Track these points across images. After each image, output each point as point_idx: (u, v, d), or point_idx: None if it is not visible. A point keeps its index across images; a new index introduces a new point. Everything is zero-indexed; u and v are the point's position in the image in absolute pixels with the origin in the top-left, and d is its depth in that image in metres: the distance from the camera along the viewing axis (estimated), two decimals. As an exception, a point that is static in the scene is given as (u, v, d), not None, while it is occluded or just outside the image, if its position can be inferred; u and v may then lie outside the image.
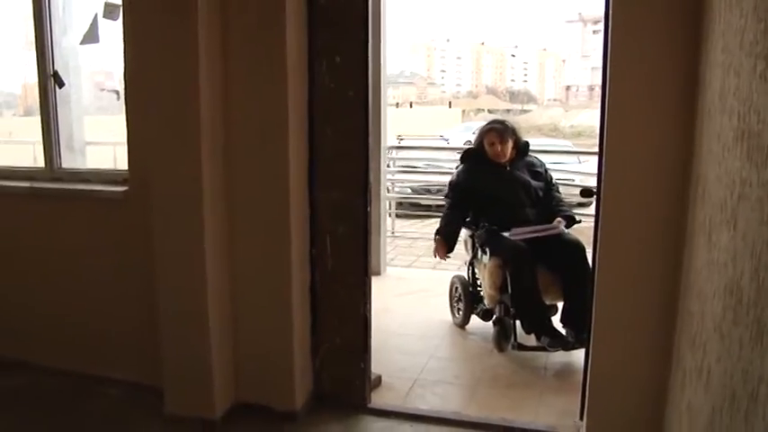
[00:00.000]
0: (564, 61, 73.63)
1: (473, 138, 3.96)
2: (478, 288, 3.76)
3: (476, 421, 2.69)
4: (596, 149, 2.35)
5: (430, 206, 7.56)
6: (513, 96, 70.39)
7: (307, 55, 2.63)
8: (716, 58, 1.65)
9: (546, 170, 3.76)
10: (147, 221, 2.66)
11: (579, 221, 3.66)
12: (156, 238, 2.63)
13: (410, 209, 7.99)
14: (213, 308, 2.61)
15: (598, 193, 2.29)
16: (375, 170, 3.99)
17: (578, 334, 3.16)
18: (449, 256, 3.72)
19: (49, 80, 3.07)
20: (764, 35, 1.14)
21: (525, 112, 57.55)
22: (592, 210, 2.63)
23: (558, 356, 3.33)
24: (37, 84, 3.10)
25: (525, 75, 76.15)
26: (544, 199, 3.65)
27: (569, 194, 4.97)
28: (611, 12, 2.12)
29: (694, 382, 1.66)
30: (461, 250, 3.88)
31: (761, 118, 1.14)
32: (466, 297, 3.78)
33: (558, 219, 3.54)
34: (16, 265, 3.19)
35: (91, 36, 3.01)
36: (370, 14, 2.59)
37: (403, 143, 8.81)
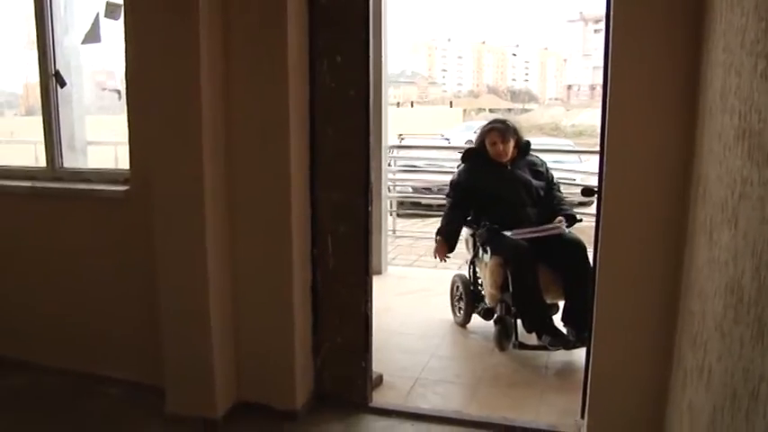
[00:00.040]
0: (565, 60, 73.64)
1: (474, 137, 3.96)
2: (479, 287, 3.76)
3: (477, 420, 2.69)
4: (597, 149, 2.35)
5: (431, 205, 7.56)
6: (515, 96, 70.39)
7: (308, 54, 2.63)
8: (717, 58, 1.65)
9: (547, 169, 3.76)
10: (148, 221, 2.66)
11: (580, 220, 3.66)
12: (157, 238, 2.63)
13: (411, 208, 7.99)
14: (215, 307, 2.61)
15: (599, 193, 2.29)
16: (376, 169, 4.00)
17: (579, 333, 3.16)
18: (449, 257, 3.73)
19: (51, 80, 3.07)
20: (765, 34, 1.14)
21: (526, 111, 57.56)
22: (593, 209, 2.63)
23: (560, 355, 3.33)
24: (38, 83, 3.10)
25: (526, 74, 76.14)
26: (545, 198, 3.65)
27: (570, 194, 4.96)
28: (612, 11, 2.12)
29: (695, 381, 1.66)
30: (462, 249, 3.88)
31: (762, 117, 1.14)
32: (467, 296, 3.78)
33: (560, 218, 3.54)
34: (17, 265, 3.20)
35: (92, 35, 3.01)
36: (371, 14, 2.59)
37: (404, 143, 8.81)
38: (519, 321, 3.34)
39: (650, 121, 2.13)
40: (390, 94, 7.09)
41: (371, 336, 2.80)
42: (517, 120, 4.45)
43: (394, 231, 6.68)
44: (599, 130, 2.27)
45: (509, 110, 56.36)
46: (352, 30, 2.58)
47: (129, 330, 2.99)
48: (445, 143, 12.74)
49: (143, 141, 2.75)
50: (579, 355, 3.03)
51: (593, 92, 59.71)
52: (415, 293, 4.56)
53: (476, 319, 3.77)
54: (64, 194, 3.06)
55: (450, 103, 54.96)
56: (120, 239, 2.95)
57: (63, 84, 3.08)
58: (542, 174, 3.70)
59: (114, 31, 2.86)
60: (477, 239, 3.63)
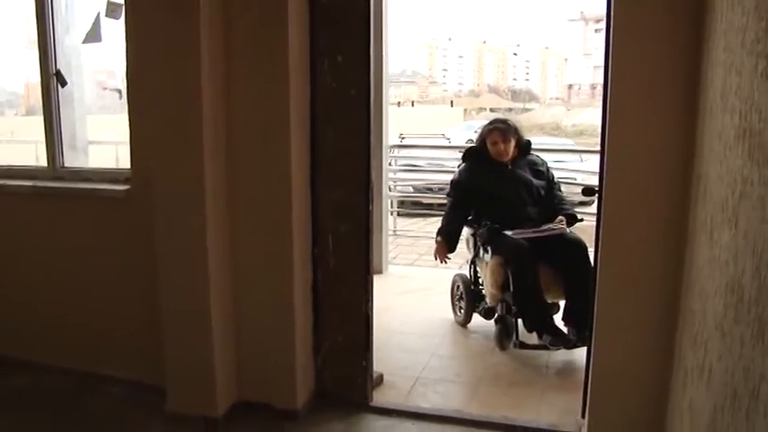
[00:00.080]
0: (566, 60, 73.61)
1: (475, 136, 3.97)
2: (480, 286, 3.76)
3: (477, 419, 2.70)
4: (598, 148, 2.35)
5: (432, 205, 7.56)
6: (515, 95, 70.38)
7: (309, 54, 2.63)
8: (717, 57, 1.65)
9: (548, 169, 3.76)
10: (149, 220, 2.67)
11: (581, 220, 3.66)
12: (158, 238, 2.64)
13: (412, 207, 7.99)
14: (216, 307, 2.61)
15: (600, 192, 2.29)
16: (377, 169, 4.00)
17: (580, 332, 3.16)
18: (449, 258, 3.73)
19: (52, 79, 3.07)
20: (766, 34, 1.14)
21: (527, 110, 57.56)
22: (593, 208, 2.63)
23: (560, 355, 3.34)
24: (39, 83, 3.11)
25: (527, 73, 76.11)
26: (546, 198, 3.65)
27: (571, 193, 4.96)
28: (612, 11, 2.12)
29: (696, 380, 1.66)
30: (463, 249, 3.89)
31: (762, 117, 1.14)
32: (467, 295, 3.78)
33: (560, 217, 3.54)
34: (19, 265, 3.20)
35: (93, 35, 3.01)
36: (372, 13, 2.59)
37: (405, 142, 8.79)
38: (520, 321, 3.34)
39: (651, 121, 2.14)
40: (391, 93, 7.09)
41: (372, 335, 2.80)
42: (518, 119, 4.45)
43: (395, 231, 6.68)
44: (600, 130, 2.27)
45: (510, 109, 56.37)
46: (352, 29, 2.59)
47: (130, 330, 3.00)
48: (446, 143, 12.73)
49: (144, 141, 2.75)
50: (580, 354, 3.03)
51: (594, 91, 59.72)
52: (416, 293, 4.56)
53: (476, 319, 3.77)
54: (65, 194, 3.06)
55: (451, 102, 54.96)
56: (121, 239, 2.95)
57: (64, 83, 3.08)
58: (543, 173, 3.70)
59: (115, 30, 2.87)
60: (477, 239, 3.63)
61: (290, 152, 2.55)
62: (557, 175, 3.90)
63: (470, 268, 3.86)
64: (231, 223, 2.65)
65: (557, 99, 69.96)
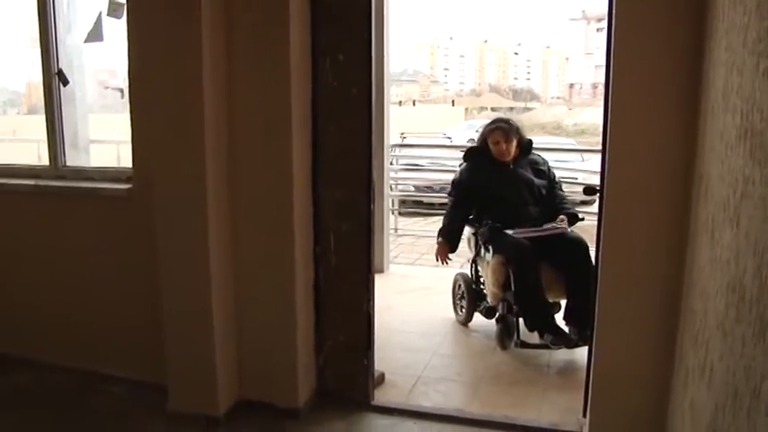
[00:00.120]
0: (567, 59, 73.57)
1: (476, 136, 3.97)
2: (481, 286, 3.76)
3: (478, 418, 2.70)
4: (599, 147, 2.35)
5: (433, 204, 7.57)
6: (517, 94, 70.36)
7: (310, 53, 2.63)
8: (719, 57, 1.65)
9: (549, 168, 3.76)
10: (151, 220, 2.67)
11: (582, 219, 3.66)
12: (159, 237, 2.64)
13: (413, 207, 8.00)
14: (217, 306, 2.62)
15: (601, 191, 2.29)
16: (378, 168, 4.01)
17: (581, 331, 3.17)
18: (450, 259, 3.73)
19: (54, 78, 3.08)
20: (767, 33, 1.14)
21: (528, 109, 57.56)
22: (595, 208, 2.63)
23: (561, 354, 3.34)
24: (41, 82, 3.11)
25: (528, 73, 76.09)
26: (547, 197, 3.65)
27: (572, 192, 4.97)
28: (614, 10, 2.12)
29: (697, 379, 1.66)
30: (464, 248, 3.89)
31: (764, 116, 1.14)
32: (469, 295, 3.79)
33: (561, 216, 3.54)
34: (21, 264, 3.20)
35: (95, 34, 3.02)
36: (374, 12, 2.59)
37: (406, 141, 8.81)
38: (521, 320, 3.34)
39: (652, 120, 2.13)
40: (392, 92, 7.10)
41: (373, 334, 2.81)
42: (519, 118, 4.45)
43: (396, 230, 6.69)
44: (601, 129, 2.27)
45: (511, 108, 56.33)
46: (354, 28, 2.59)
47: (132, 329, 3.00)
48: (447, 142, 12.74)
49: (145, 140, 2.75)
50: (581, 353, 3.03)
51: (596, 90, 59.68)
52: (417, 292, 4.57)
53: (477, 318, 3.77)
54: (67, 193, 3.06)
55: (453, 101, 54.95)
56: (122, 238, 2.95)
57: (66, 82, 3.09)
58: (544, 172, 3.70)
59: (117, 29, 2.87)
60: (479, 238, 3.63)
61: (292, 151, 2.55)
62: (558, 174, 3.90)
63: (472, 267, 3.86)
64: (233, 222, 2.65)
65: (558, 98, 69.94)
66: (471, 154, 3.79)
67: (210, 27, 2.44)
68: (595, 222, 2.36)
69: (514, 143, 3.61)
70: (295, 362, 2.70)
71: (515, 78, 75.76)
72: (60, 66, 3.08)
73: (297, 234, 2.62)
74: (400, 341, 3.57)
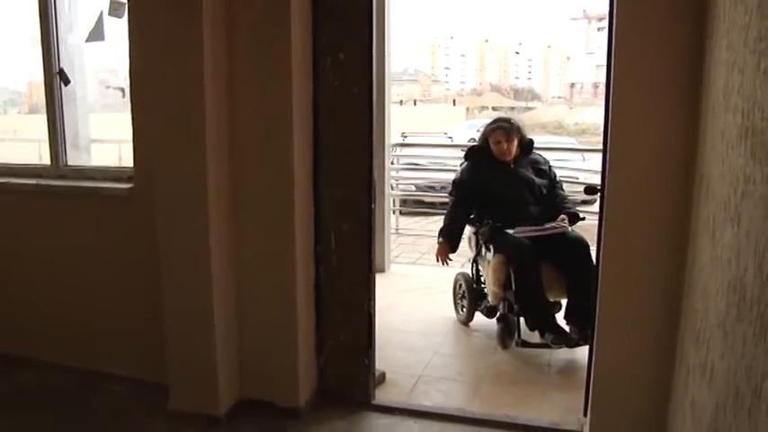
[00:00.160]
0: (568, 58, 73.52)
1: (477, 135, 3.96)
2: (482, 285, 3.76)
3: (479, 418, 2.70)
4: (600, 147, 2.35)
5: (434, 203, 7.57)
6: (518, 94, 70.35)
7: (311, 52, 2.63)
8: (720, 56, 1.65)
9: (550, 167, 3.76)
10: (152, 219, 2.67)
11: (583, 219, 3.66)
12: (160, 236, 2.64)
13: (414, 206, 7.99)
14: (218, 305, 2.62)
15: (602, 191, 2.29)
16: (379, 167, 4.01)
17: (582, 331, 3.17)
18: (450, 260, 3.73)
19: (55, 78, 3.08)
20: (769, 32, 1.14)
21: (529, 109, 57.57)
22: (596, 207, 2.63)
23: (562, 353, 3.34)
24: (42, 81, 3.12)
25: (529, 72, 76.06)
26: (548, 196, 3.65)
27: (573, 192, 4.97)
28: (615, 9, 2.12)
29: (698, 379, 1.66)
30: (465, 247, 3.89)
31: (765, 115, 1.14)
32: (470, 294, 3.79)
33: (562, 216, 3.54)
34: (22, 263, 3.21)
35: (96, 34, 3.02)
36: (375, 11, 2.59)
37: (407, 141, 8.79)
38: (522, 319, 3.34)
39: (653, 120, 2.13)
40: (393, 92, 7.09)
41: (374, 333, 2.81)
42: (520, 118, 4.44)
43: (397, 229, 6.69)
44: (602, 129, 2.27)
45: (512, 108, 56.34)
46: (355, 27, 2.59)
47: (133, 328, 3.00)
48: (448, 141, 12.72)
49: (147, 139, 2.75)
50: (582, 352, 3.03)
51: (597, 90, 59.63)
52: (418, 291, 4.57)
53: (478, 317, 3.77)
54: (68, 192, 3.06)
55: (453, 101, 54.88)
56: (123, 237, 2.95)
57: (67, 82, 3.09)
58: (545, 172, 3.70)
59: (118, 29, 2.87)
60: (479, 238, 3.63)
61: (293, 150, 2.55)
62: (559, 173, 3.90)
63: (472, 267, 3.86)
64: (234, 221, 2.66)
65: (559, 98, 69.92)
66: (472, 153, 3.79)
67: (212, 26, 2.44)
68: (596, 222, 2.35)
69: (515, 143, 3.61)
70: (296, 361, 2.70)
71: (516, 78, 75.75)
72: (61, 65, 3.08)
73: (298, 233, 2.62)
74: (401, 340, 3.57)
